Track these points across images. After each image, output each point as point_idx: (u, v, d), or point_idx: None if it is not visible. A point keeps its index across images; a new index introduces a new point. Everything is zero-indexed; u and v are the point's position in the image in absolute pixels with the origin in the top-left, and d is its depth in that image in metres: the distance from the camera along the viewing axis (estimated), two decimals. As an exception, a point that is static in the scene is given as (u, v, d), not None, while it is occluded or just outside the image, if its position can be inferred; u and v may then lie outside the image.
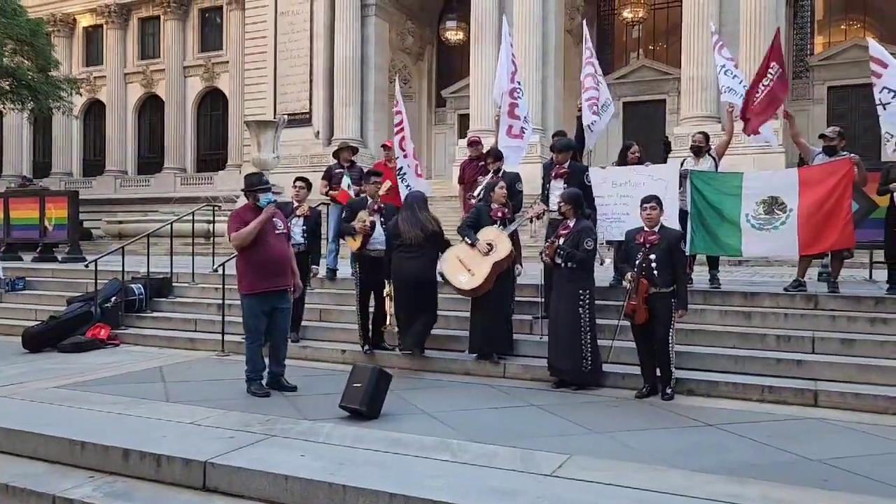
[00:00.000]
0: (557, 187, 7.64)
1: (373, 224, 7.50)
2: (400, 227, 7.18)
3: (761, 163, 19.22)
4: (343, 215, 7.81)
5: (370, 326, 7.71)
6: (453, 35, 29.28)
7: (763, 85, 8.07)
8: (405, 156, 9.29)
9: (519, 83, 8.99)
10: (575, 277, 6.48)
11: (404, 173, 9.27)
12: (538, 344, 7.19)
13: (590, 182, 7.84)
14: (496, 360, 7.13)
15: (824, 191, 7.21)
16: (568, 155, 7.91)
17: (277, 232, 6.47)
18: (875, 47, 7.80)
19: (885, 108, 7.53)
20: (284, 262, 6.47)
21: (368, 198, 7.81)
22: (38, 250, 15.20)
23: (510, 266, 7.23)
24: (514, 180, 7.77)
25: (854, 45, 23.37)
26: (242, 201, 21.65)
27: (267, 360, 6.58)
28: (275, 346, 6.63)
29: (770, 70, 8.07)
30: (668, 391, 6.15)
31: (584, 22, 9.95)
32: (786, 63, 24.61)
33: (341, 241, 8.65)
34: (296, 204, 8.31)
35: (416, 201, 7.44)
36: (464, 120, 27.40)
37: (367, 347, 7.67)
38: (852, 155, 7.51)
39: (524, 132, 8.87)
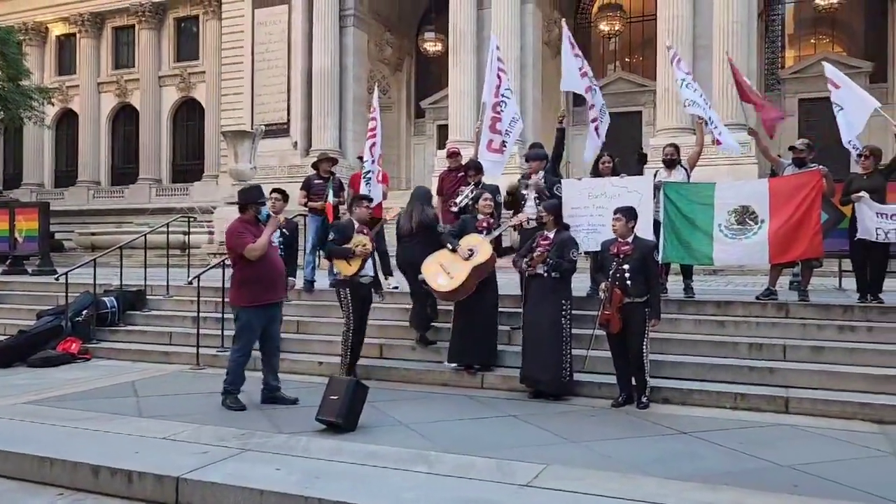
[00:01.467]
0: (529, 198, 7.76)
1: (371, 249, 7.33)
2: (400, 218, 7.60)
3: (734, 173, 19.42)
4: (331, 237, 7.43)
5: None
6: (432, 46, 29.36)
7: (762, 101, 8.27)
8: (372, 161, 9.29)
9: (503, 96, 8.84)
10: (558, 287, 6.53)
11: (369, 178, 9.27)
12: (516, 354, 7.20)
13: (560, 194, 7.86)
14: (473, 371, 7.13)
15: (794, 201, 7.36)
16: (541, 164, 7.98)
17: (274, 244, 6.53)
18: (831, 70, 8.11)
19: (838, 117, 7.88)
20: (282, 274, 6.66)
21: (355, 221, 7.43)
22: (7, 263, 14.93)
23: (493, 274, 7.26)
24: (493, 192, 7.81)
25: (824, 58, 23.80)
26: (223, 211, 21.37)
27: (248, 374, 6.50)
28: (270, 357, 6.56)
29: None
30: (644, 399, 6.20)
31: (563, 22, 9.93)
32: (760, 77, 24.99)
33: (319, 257, 8.55)
34: (272, 216, 8.23)
35: (419, 197, 7.73)
36: (443, 130, 27.46)
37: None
38: (821, 167, 7.68)
39: (504, 147, 8.83)
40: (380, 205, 9.07)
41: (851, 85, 7.96)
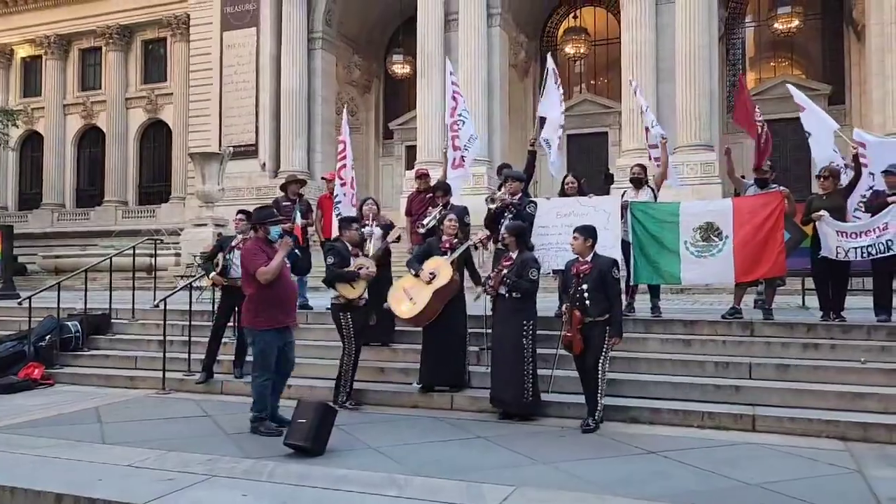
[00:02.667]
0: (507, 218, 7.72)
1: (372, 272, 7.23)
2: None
3: (699, 193, 19.80)
4: (330, 262, 7.14)
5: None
6: (400, 68, 29.54)
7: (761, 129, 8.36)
8: (342, 184, 9.30)
9: (460, 116, 9.25)
10: (519, 307, 6.53)
11: (339, 202, 9.28)
12: (485, 375, 7.19)
13: (532, 212, 7.92)
14: (442, 393, 7.12)
15: (758, 221, 7.51)
16: (520, 185, 8.04)
17: (287, 266, 6.40)
18: (795, 92, 8.47)
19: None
20: (295, 297, 6.69)
21: (347, 244, 7.29)
22: (-31, 287, 14.63)
23: (461, 295, 7.27)
24: (462, 213, 7.85)
25: (783, 81, 24.45)
26: (191, 233, 21.10)
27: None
28: (281, 379, 6.45)
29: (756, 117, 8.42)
30: (591, 423, 6.11)
31: (549, 56, 10.29)
32: (721, 99, 25.48)
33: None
34: (238, 237, 8.18)
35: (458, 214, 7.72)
36: (411, 151, 27.55)
37: (351, 403, 7.12)
38: (782, 188, 7.86)
39: (464, 161, 9.16)
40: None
41: (813, 107, 8.21)
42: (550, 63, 9.24)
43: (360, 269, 7.08)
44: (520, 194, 7.93)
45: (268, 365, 6.24)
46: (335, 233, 8.51)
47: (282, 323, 6.24)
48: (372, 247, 7.60)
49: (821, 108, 8.49)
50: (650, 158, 9.62)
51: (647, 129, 9.40)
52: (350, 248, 7.24)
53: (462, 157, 9.16)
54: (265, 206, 6.98)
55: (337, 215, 8.99)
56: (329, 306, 7.39)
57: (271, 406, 6.34)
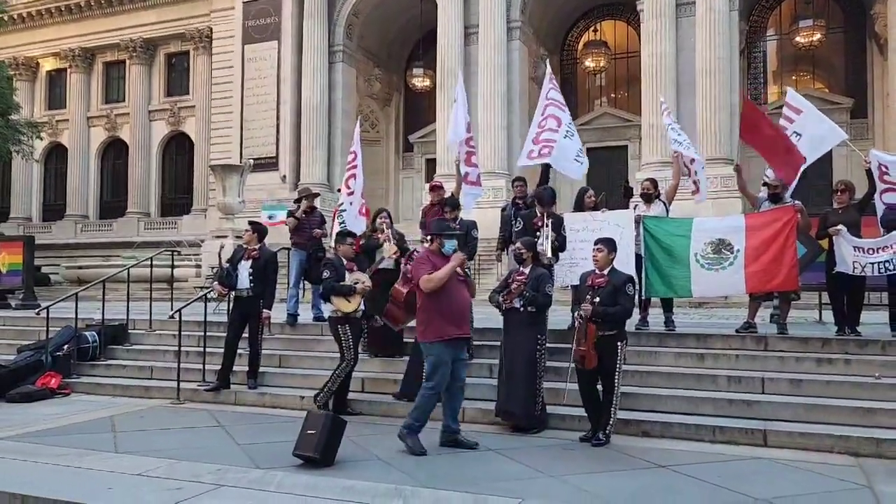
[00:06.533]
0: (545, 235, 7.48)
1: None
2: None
3: (719, 207, 19.71)
4: (326, 276, 7.21)
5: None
6: (420, 82, 29.74)
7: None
8: (349, 193, 9.34)
9: (471, 133, 9.35)
10: (533, 321, 6.53)
11: (343, 210, 9.31)
12: (496, 388, 7.19)
13: (565, 234, 7.75)
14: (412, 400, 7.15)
15: (769, 234, 7.45)
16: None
17: (460, 279, 6.22)
18: (793, 95, 8.35)
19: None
20: (467, 311, 6.27)
21: (342, 258, 7.38)
22: (-9, 297, 14.90)
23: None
24: (470, 228, 7.85)
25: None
26: (211, 245, 21.26)
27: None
28: (452, 398, 6.22)
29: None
30: (601, 436, 6.08)
31: (548, 62, 10.30)
32: (740, 111, 25.41)
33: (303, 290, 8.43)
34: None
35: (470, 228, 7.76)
36: (431, 164, 27.71)
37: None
38: (796, 202, 7.81)
39: (480, 178, 9.16)
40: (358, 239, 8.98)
41: (815, 113, 8.10)
42: (548, 71, 9.18)
43: (357, 283, 7.17)
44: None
45: (440, 377, 6.03)
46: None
47: (449, 335, 6.00)
48: (384, 259, 7.69)
49: (833, 120, 8.38)
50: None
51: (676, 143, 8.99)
52: (345, 262, 7.33)
53: (479, 174, 9.11)
54: (442, 218, 7.02)
55: (341, 223, 9.02)
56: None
57: (450, 428, 6.17)
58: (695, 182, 8.81)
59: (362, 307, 7.29)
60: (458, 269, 6.15)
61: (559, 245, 7.51)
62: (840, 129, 8.22)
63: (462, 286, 6.22)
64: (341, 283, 7.15)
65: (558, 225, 7.56)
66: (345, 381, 7.32)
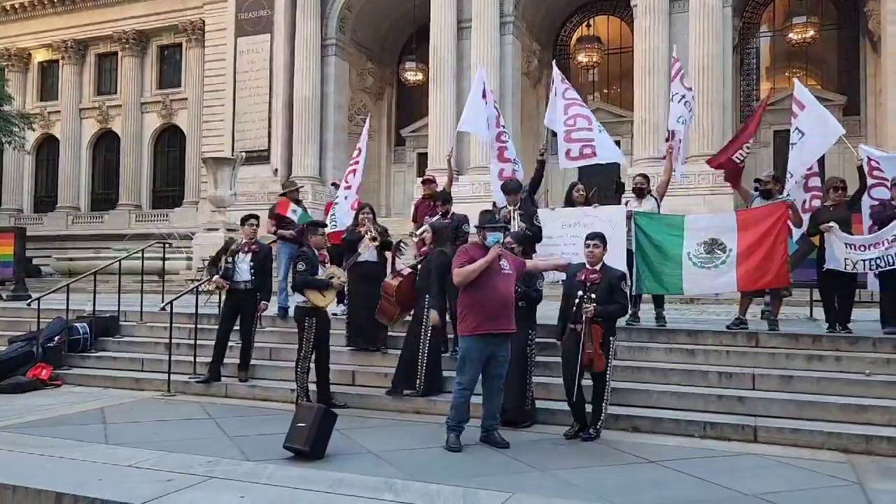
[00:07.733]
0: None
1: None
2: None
3: (712, 203, 19.78)
4: (301, 269, 7.15)
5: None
6: (412, 76, 29.69)
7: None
8: (347, 187, 9.32)
9: (503, 126, 9.20)
10: (524, 317, 6.52)
11: (337, 202, 9.30)
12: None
13: (539, 224, 7.87)
14: (401, 394, 7.26)
15: (761, 232, 7.47)
16: (517, 196, 7.99)
17: (505, 272, 5.99)
18: (800, 89, 8.23)
19: (792, 148, 7.95)
20: (508, 305, 5.98)
21: (314, 249, 7.41)
22: (-18, 288, 14.82)
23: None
24: (461, 222, 7.86)
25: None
26: (203, 237, 21.25)
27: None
28: (486, 398, 6.07)
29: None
30: (591, 431, 6.11)
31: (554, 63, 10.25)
32: (735, 108, 25.35)
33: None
34: (244, 240, 8.25)
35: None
36: (423, 158, 27.65)
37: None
38: (787, 199, 7.82)
39: (515, 174, 8.91)
40: (339, 232, 8.95)
41: (818, 108, 8.06)
42: (556, 73, 9.11)
43: (332, 278, 7.15)
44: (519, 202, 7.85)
45: (469, 373, 5.92)
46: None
47: (482, 330, 5.86)
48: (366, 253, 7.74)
49: (829, 113, 8.37)
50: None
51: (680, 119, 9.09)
52: (317, 252, 7.35)
53: (514, 170, 8.98)
54: (489, 210, 6.98)
55: (331, 215, 9.04)
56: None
57: (488, 426, 6.04)
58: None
59: (335, 303, 7.28)
60: (504, 262, 5.98)
61: (532, 236, 7.59)
62: (838, 124, 8.22)
63: (506, 279, 5.98)
64: (317, 277, 7.12)
65: (529, 217, 7.65)
66: (323, 373, 7.29)
